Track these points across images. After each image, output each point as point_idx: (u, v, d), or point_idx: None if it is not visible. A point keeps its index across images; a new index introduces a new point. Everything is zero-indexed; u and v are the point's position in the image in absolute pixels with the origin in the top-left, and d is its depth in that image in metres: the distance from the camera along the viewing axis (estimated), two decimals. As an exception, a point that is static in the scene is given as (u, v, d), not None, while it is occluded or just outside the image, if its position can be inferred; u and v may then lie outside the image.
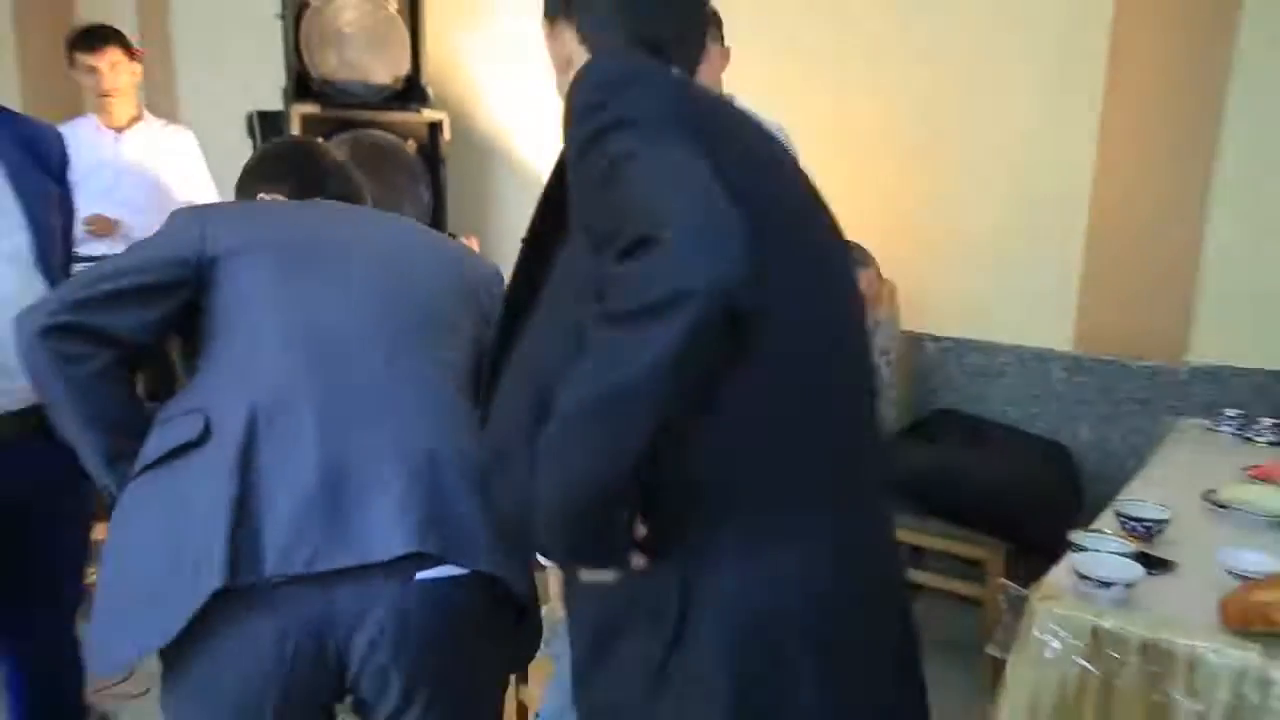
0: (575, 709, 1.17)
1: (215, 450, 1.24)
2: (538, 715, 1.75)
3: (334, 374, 1.31)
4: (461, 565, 1.26)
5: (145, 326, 1.33)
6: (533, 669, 1.96)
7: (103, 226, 3.02)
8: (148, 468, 1.28)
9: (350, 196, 1.63)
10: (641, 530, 0.99)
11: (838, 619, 1.06)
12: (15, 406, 1.75)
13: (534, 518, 0.98)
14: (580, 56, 1.13)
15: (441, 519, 1.25)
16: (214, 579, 1.15)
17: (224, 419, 1.25)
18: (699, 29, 1.21)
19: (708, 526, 1.02)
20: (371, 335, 1.36)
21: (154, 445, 1.30)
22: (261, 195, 1.58)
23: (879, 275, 1.74)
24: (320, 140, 1.71)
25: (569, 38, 1.16)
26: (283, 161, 1.66)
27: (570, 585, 1.15)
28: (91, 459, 1.40)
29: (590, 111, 0.98)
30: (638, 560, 1.00)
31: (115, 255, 1.40)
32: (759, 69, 2.90)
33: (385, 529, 1.22)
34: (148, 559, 1.23)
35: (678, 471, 1.00)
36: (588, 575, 1.05)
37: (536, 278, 1.12)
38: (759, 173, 1.08)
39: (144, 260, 1.35)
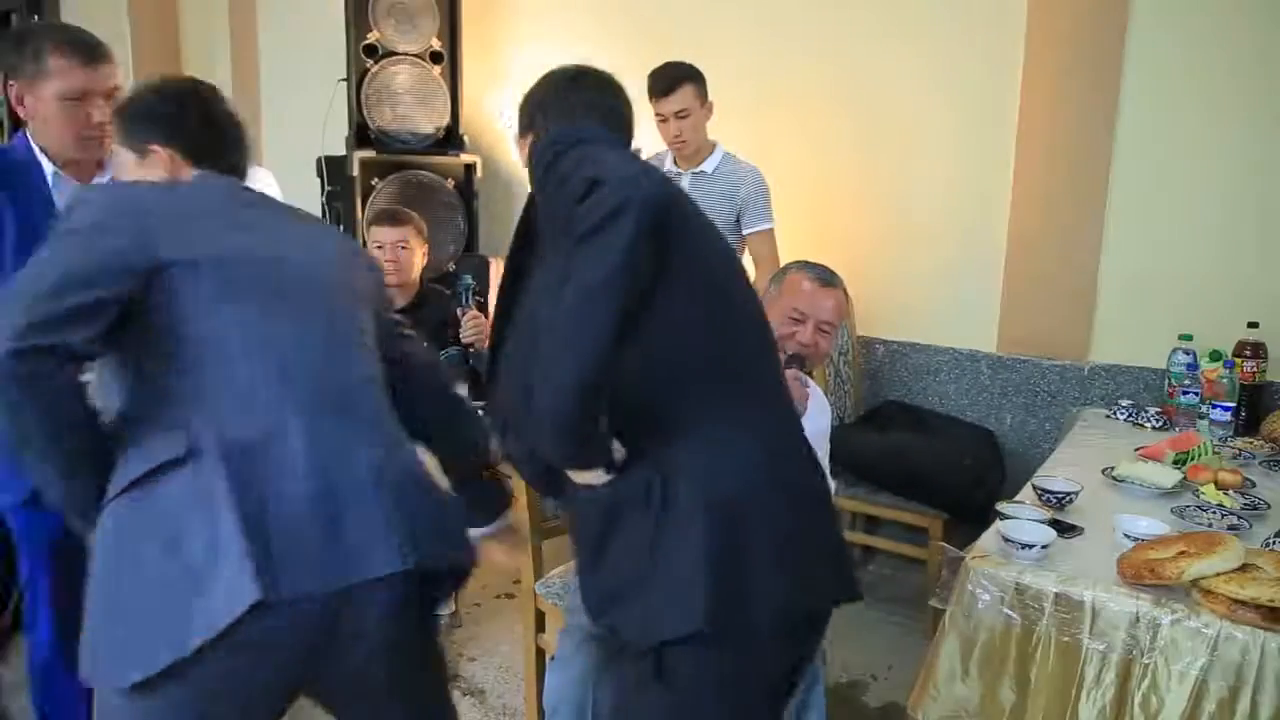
0: (583, 605, 1.19)
1: (204, 468, 1.05)
2: (553, 658, 1.74)
3: (307, 389, 1.13)
4: (425, 559, 1.14)
5: (97, 338, 1.05)
6: (549, 619, 1.96)
7: None
8: (133, 484, 1.06)
9: (241, 163, 1.35)
10: (620, 452, 1.09)
11: (792, 505, 1.14)
12: None
13: (540, 436, 1.06)
14: None
15: (413, 530, 1.14)
16: (246, 595, 0.99)
17: (204, 436, 1.06)
18: (629, 133, 1.31)
19: (676, 435, 1.10)
20: (328, 348, 1.19)
21: (135, 462, 1.07)
22: (154, 147, 1.27)
23: (846, 294, 1.74)
24: (213, 88, 1.40)
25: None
26: (182, 116, 1.31)
27: (572, 503, 1.19)
28: (61, 488, 1.10)
29: (549, 147, 1.12)
30: (618, 452, 1.09)
31: (54, 252, 1.07)
32: (737, 122, 2.91)
33: (377, 545, 1.10)
34: (153, 577, 1.03)
35: (641, 392, 1.09)
36: (586, 479, 1.10)
37: (517, 288, 1.24)
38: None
39: (95, 268, 1.05)
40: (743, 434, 1.13)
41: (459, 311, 2.53)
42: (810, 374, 1.74)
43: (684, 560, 1.06)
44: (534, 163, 1.14)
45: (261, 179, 3.30)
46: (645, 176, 1.04)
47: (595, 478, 1.10)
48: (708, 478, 1.09)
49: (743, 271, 1.25)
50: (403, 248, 2.54)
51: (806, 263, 1.77)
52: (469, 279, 2.57)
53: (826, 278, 1.71)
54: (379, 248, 2.54)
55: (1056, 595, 1.35)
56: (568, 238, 1.03)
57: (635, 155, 1.24)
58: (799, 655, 1.19)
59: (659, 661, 1.10)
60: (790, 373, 1.60)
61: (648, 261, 1.03)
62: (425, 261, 2.65)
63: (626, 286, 1.01)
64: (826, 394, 2.67)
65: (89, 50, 1.61)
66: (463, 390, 2.55)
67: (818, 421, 1.73)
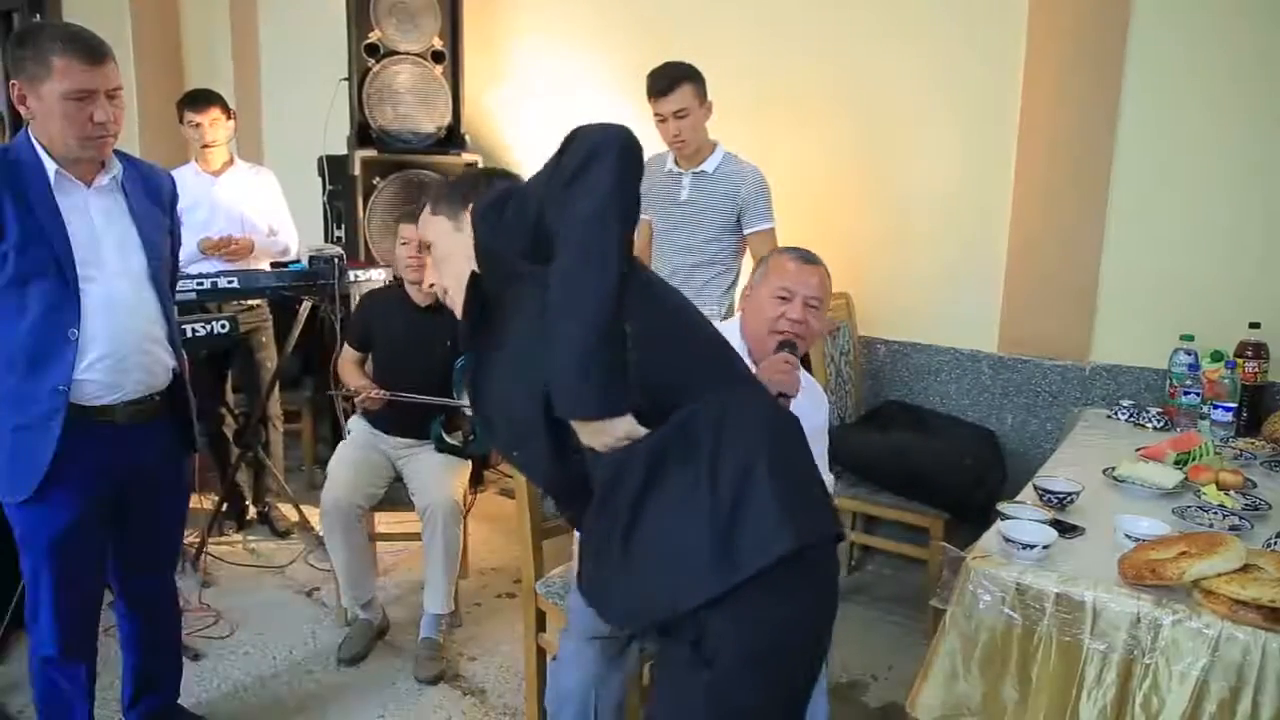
0: (614, 612, 1.20)
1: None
2: (554, 658, 1.74)
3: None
4: None
5: None
6: (550, 618, 1.96)
7: (224, 245, 3.06)
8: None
9: None
10: (640, 430, 1.09)
11: (785, 444, 1.16)
12: (132, 396, 1.76)
13: (568, 393, 1.06)
14: (458, 248, 1.28)
15: None
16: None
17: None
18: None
19: (689, 400, 1.12)
20: None
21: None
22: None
23: (827, 273, 1.76)
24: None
25: (458, 237, 1.29)
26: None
27: (606, 469, 1.13)
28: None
29: (485, 208, 1.18)
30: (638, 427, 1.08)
31: None
32: (738, 122, 2.90)
33: None
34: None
35: (658, 375, 1.11)
36: (621, 430, 1.08)
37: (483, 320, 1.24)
38: None
39: None
40: (745, 388, 1.19)
41: None
42: (804, 360, 1.75)
43: (757, 484, 1.07)
44: (474, 226, 1.19)
45: (264, 178, 3.33)
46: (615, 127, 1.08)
47: (629, 427, 1.08)
48: (739, 414, 1.11)
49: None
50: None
51: (788, 247, 1.81)
52: None
53: (809, 257, 1.75)
54: (404, 244, 2.56)
55: (1057, 595, 1.35)
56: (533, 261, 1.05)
57: None
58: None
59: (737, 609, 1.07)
60: (779, 356, 1.62)
61: (634, 194, 1.06)
62: None
63: (622, 213, 1.03)
64: (827, 393, 2.67)
65: (91, 50, 1.61)
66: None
67: (813, 417, 1.74)
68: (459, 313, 1.26)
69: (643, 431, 1.09)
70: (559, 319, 1.05)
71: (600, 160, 1.04)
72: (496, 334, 1.21)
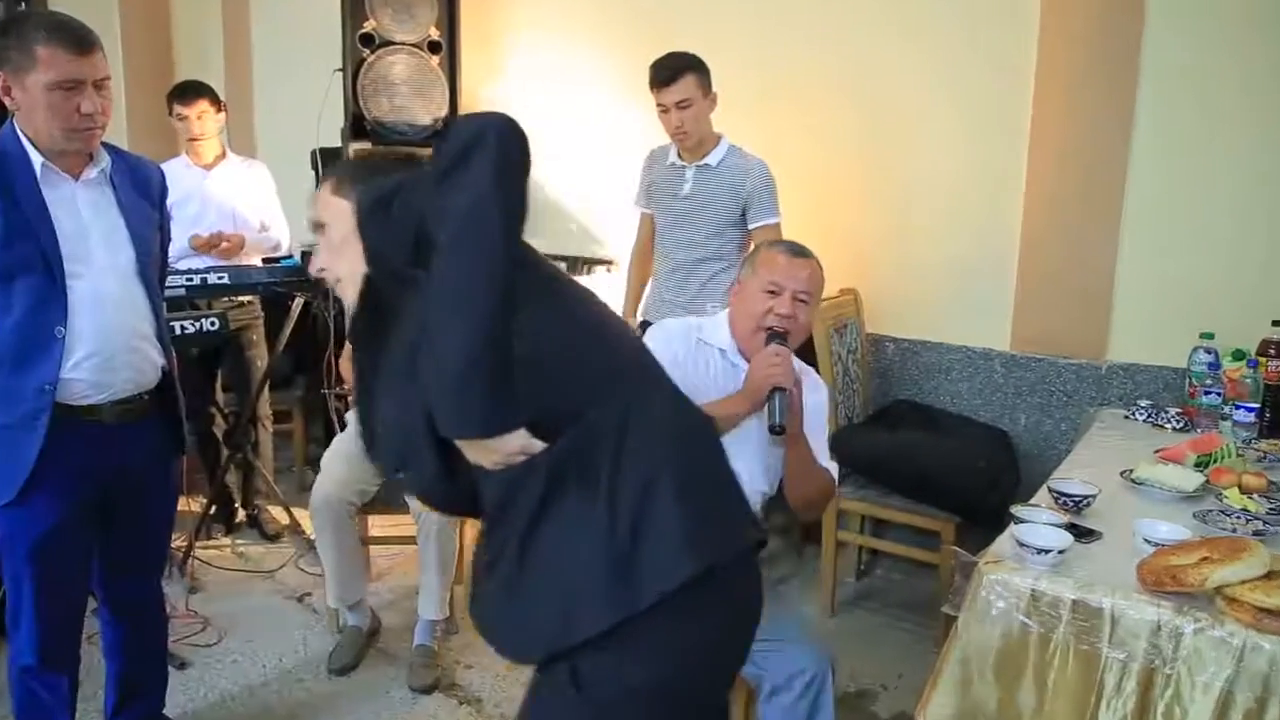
0: (503, 643, 1.16)
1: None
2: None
3: None
4: None
5: None
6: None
7: (215, 243, 3.06)
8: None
9: None
10: (536, 444, 1.02)
11: (695, 453, 1.12)
12: (120, 395, 1.75)
13: (453, 408, 0.98)
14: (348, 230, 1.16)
15: None
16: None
17: None
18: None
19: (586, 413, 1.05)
20: None
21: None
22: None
23: (819, 266, 1.76)
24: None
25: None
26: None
27: (496, 489, 1.08)
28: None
29: (372, 204, 1.09)
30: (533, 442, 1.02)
31: None
32: (742, 116, 2.89)
33: None
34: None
35: (556, 383, 1.05)
36: (514, 445, 1.01)
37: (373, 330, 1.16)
38: None
39: None
40: (656, 393, 1.13)
41: None
42: (810, 359, 1.76)
43: (659, 500, 1.01)
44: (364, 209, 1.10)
45: (256, 172, 3.32)
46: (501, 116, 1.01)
47: (523, 442, 1.01)
48: (643, 423, 1.05)
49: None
50: None
51: (778, 240, 1.81)
52: None
53: (799, 250, 1.75)
54: None
55: (1074, 602, 1.34)
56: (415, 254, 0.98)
57: None
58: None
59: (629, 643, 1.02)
60: (769, 349, 1.62)
61: (520, 186, 0.98)
62: None
63: (504, 205, 0.95)
64: (835, 392, 2.66)
65: (78, 39, 1.60)
66: None
67: (811, 398, 1.75)
68: (348, 306, 1.18)
69: (539, 446, 1.01)
70: (436, 328, 0.96)
71: (478, 150, 0.95)
72: (387, 338, 1.12)
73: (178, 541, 2.86)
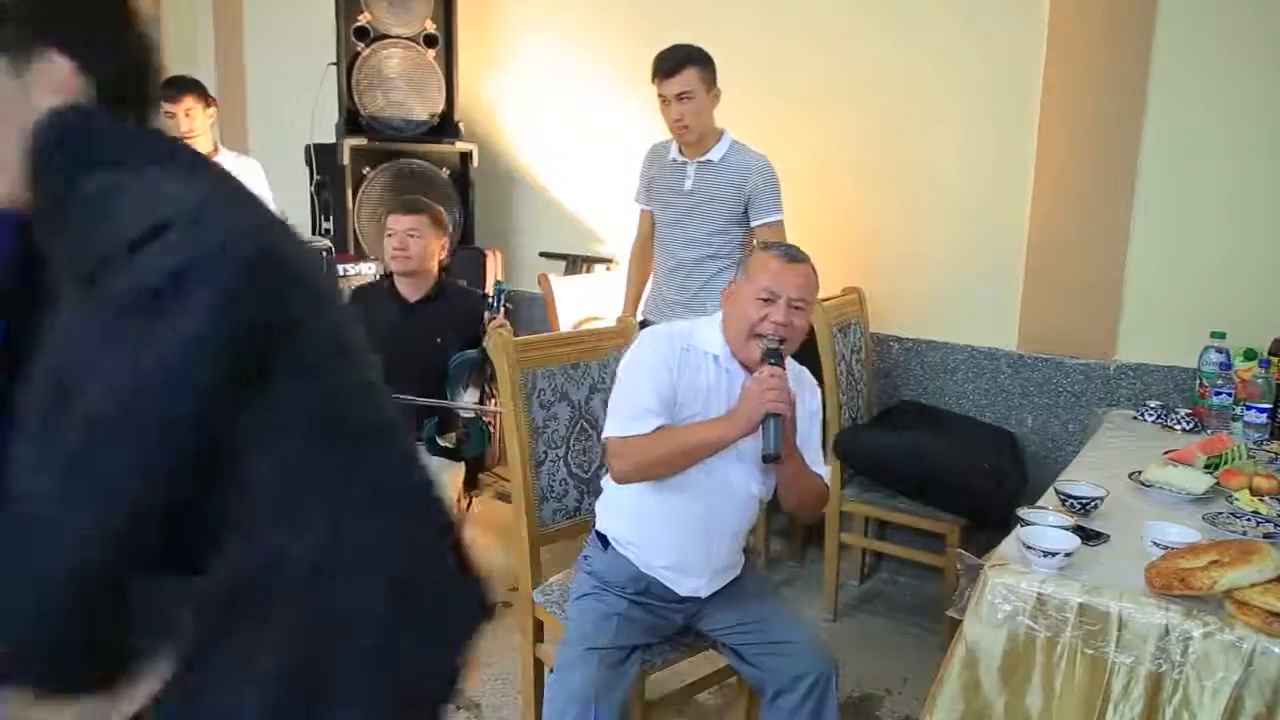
0: None
1: None
2: (552, 670, 1.73)
3: None
4: None
5: None
6: (547, 628, 1.95)
7: None
8: None
9: None
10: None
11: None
12: None
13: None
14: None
15: None
16: None
17: None
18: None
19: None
20: None
21: None
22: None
23: (814, 270, 1.75)
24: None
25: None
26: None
27: None
28: None
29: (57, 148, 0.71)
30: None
31: None
32: (744, 113, 2.89)
33: None
34: None
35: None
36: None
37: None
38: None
39: None
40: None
41: (487, 316, 2.67)
42: (791, 356, 1.74)
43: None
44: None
45: (248, 168, 3.32)
46: (229, 211, 0.68)
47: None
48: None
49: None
50: (412, 235, 2.59)
51: (772, 243, 1.79)
52: (505, 286, 2.87)
53: (794, 254, 1.72)
54: (390, 235, 2.61)
55: (1081, 606, 1.34)
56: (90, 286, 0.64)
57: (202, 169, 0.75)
58: None
59: None
60: (764, 372, 1.59)
61: (231, 368, 0.64)
62: (444, 253, 2.72)
63: (192, 411, 0.63)
64: (839, 393, 2.67)
65: None
66: (472, 396, 2.60)
67: (809, 402, 1.75)
68: None
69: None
70: (28, 512, 0.62)
71: (183, 300, 0.62)
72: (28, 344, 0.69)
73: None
